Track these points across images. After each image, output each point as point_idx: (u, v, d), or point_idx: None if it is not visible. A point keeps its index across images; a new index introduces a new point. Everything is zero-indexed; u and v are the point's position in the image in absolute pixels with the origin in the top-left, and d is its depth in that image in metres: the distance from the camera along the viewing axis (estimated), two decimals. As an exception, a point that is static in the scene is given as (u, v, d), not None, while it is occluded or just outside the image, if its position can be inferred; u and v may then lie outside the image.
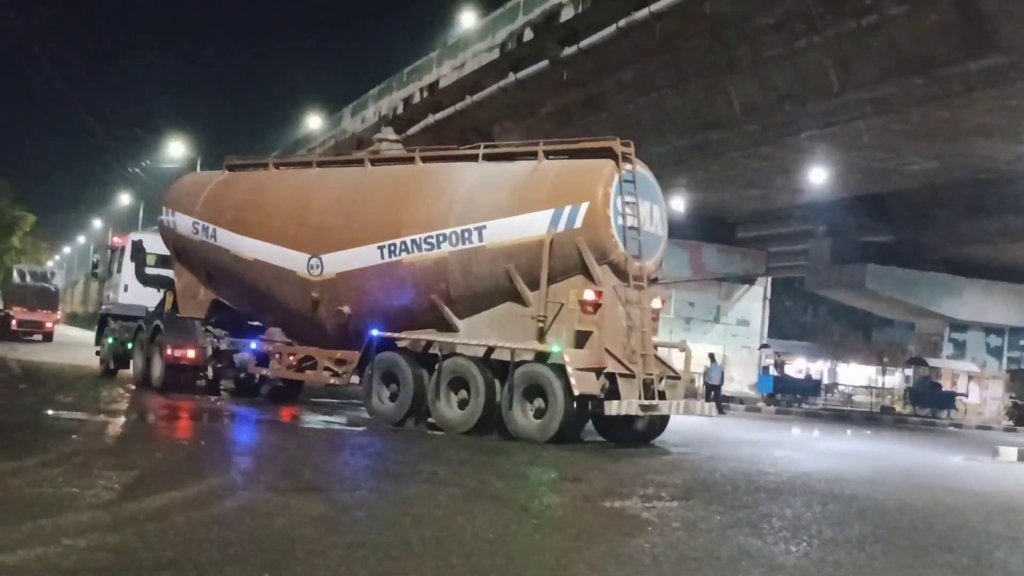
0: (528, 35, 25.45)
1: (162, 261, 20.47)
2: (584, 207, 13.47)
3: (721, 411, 27.36)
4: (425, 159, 16.39)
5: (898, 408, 36.25)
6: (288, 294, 17.12)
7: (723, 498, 9.59)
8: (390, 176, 16.70)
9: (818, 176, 27.44)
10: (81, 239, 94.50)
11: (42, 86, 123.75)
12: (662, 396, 13.99)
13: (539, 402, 13.44)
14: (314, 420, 15.44)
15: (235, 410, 16.19)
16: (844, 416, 30.69)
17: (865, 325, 62.75)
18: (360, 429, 14.37)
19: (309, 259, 16.41)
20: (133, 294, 21.14)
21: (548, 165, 14.50)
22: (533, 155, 14.78)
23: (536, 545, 6.74)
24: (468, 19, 33.12)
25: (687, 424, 21.52)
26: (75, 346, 31.72)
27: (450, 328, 14.68)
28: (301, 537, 6.22)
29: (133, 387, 18.85)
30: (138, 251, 20.92)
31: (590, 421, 14.24)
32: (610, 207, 13.52)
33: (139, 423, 14.27)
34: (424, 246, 14.86)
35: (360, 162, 17.46)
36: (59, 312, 41.72)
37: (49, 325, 41.57)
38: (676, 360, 15.43)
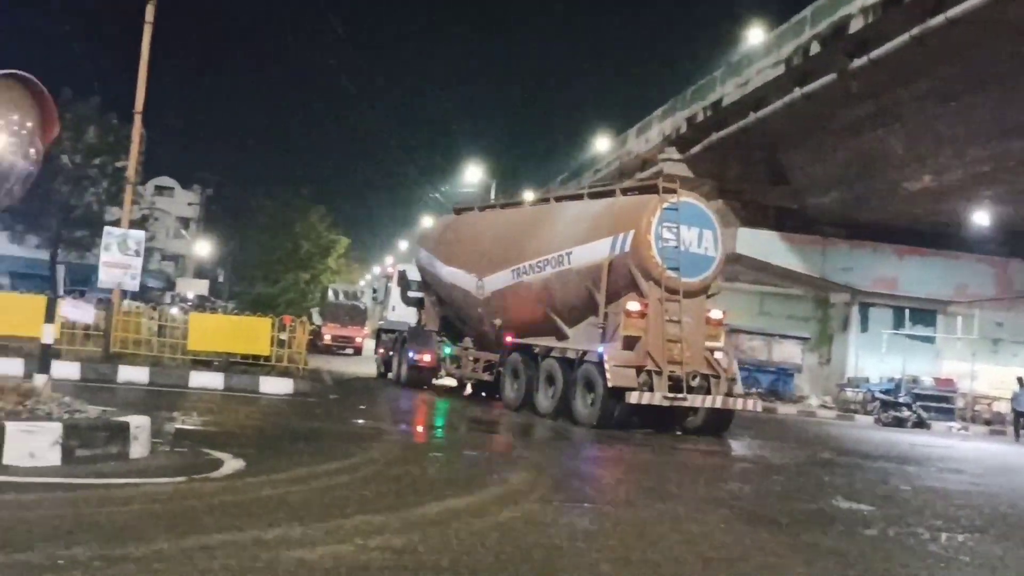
0: (815, 48, 24.83)
1: (418, 286, 25.25)
2: (631, 234, 16.19)
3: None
4: (556, 199, 20.55)
5: None
6: (468, 310, 21.56)
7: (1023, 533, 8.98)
8: (531, 213, 20.51)
9: None
10: (389, 260, 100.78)
11: (356, 120, 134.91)
12: (705, 392, 15.98)
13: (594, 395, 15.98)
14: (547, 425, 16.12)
15: (491, 418, 17.83)
16: None
17: None
18: (620, 439, 14.60)
19: (477, 280, 20.47)
20: (399, 312, 26.13)
21: (617, 200, 17.56)
22: (613, 193, 18.00)
23: (807, 574, 6.61)
24: (755, 35, 32.64)
25: (988, 453, 20.16)
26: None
27: (563, 336, 17.64)
28: (572, 550, 6.44)
29: (407, 391, 22.24)
30: (403, 278, 26.53)
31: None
32: (651, 233, 16.01)
33: (425, 432, 15.47)
34: (536, 268, 18.32)
35: (520, 204, 22.42)
36: (367, 328, 45.02)
37: (359, 340, 44.90)
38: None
